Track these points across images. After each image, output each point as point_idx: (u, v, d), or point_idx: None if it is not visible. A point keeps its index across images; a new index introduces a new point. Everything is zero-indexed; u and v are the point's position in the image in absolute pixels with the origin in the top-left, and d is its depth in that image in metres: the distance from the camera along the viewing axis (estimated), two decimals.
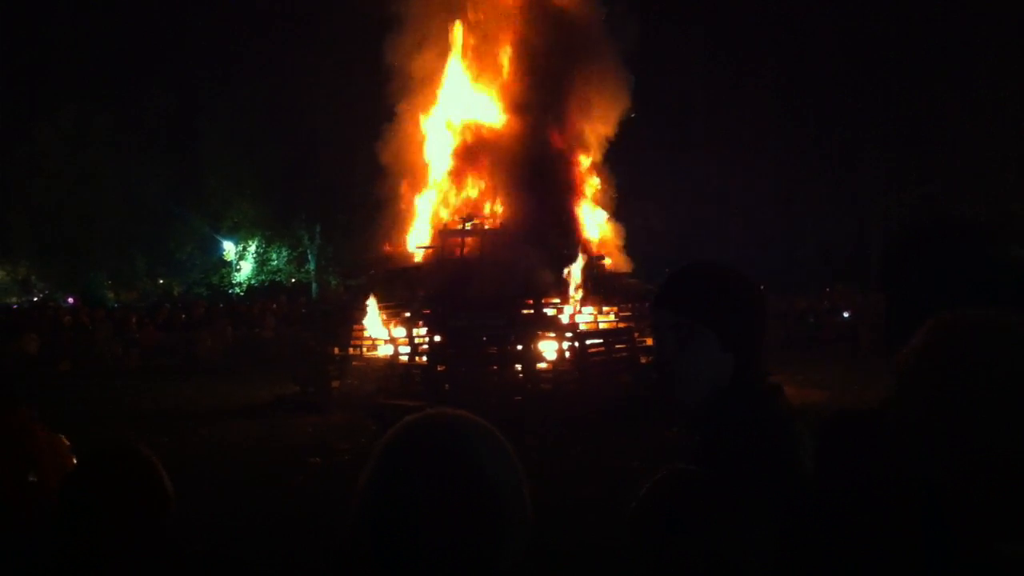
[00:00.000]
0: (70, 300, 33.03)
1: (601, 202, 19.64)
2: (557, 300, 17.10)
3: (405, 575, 1.34)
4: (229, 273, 41.97)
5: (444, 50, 19.48)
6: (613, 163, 19.66)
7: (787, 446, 1.92)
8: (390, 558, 1.35)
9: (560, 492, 8.67)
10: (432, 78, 19.47)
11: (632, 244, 19.74)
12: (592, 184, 19.53)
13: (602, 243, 19.29)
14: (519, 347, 16.09)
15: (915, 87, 33.88)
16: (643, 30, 18.56)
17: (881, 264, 1.99)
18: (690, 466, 1.84)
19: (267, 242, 41.73)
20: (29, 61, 36.91)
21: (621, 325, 17.68)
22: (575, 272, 17.65)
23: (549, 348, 16.36)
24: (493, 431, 1.46)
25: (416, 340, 16.91)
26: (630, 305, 18.11)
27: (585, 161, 19.44)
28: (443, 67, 19.52)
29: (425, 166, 19.66)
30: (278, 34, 34.39)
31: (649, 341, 16.96)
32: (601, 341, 16.54)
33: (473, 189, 19.04)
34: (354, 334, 18.18)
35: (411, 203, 19.71)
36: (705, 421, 1.98)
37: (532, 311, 16.50)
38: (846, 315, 27.94)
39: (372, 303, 18.18)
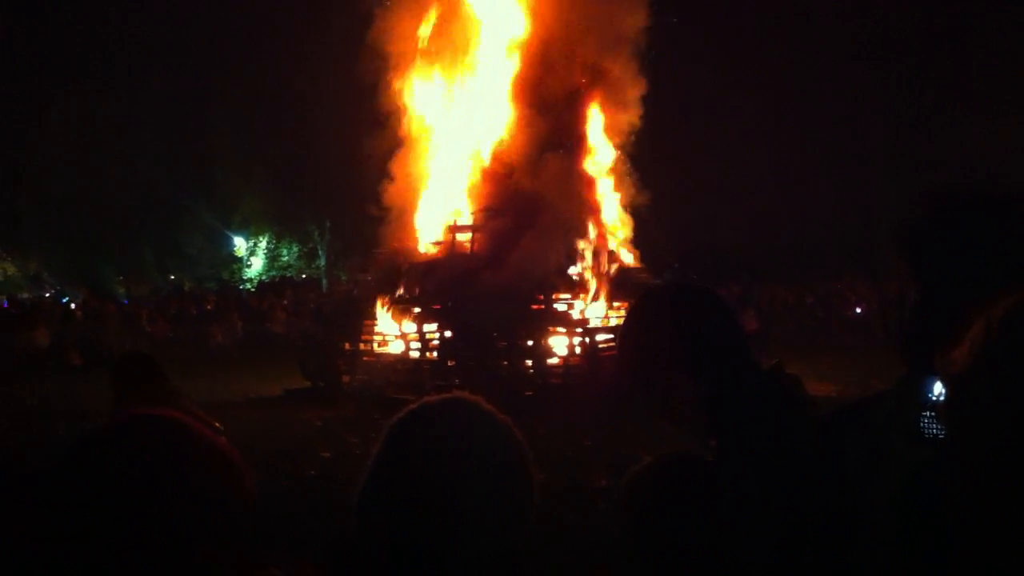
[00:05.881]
0: (72, 305, 32.79)
1: (614, 195, 19.55)
2: (568, 295, 17.11)
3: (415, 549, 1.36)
4: (240, 268, 42.10)
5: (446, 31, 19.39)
6: (622, 155, 19.56)
7: (800, 438, 1.91)
8: (401, 531, 1.37)
9: (571, 480, 8.75)
10: (435, 58, 19.38)
11: (641, 236, 19.68)
12: (604, 174, 19.44)
13: (614, 237, 19.22)
14: (529, 342, 16.11)
15: (922, 73, 33.74)
16: (649, 20, 18.40)
17: (905, 247, 1.78)
18: (684, 451, 1.84)
19: (277, 237, 41.84)
20: (38, 53, 37.00)
21: None
22: (587, 267, 17.66)
23: (560, 343, 16.38)
24: (497, 415, 1.47)
25: (426, 335, 16.93)
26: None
27: (598, 153, 19.35)
28: (446, 47, 19.41)
29: (435, 155, 19.59)
30: (288, 26, 34.39)
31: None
32: (612, 336, 16.53)
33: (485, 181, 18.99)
34: (364, 328, 18.20)
35: (421, 197, 19.67)
36: (719, 407, 1.96)
37: (542, 306, 16.52)
38: (859, 310, 27.82)
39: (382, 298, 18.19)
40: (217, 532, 1.49)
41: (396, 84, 19.08)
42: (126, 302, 35.10)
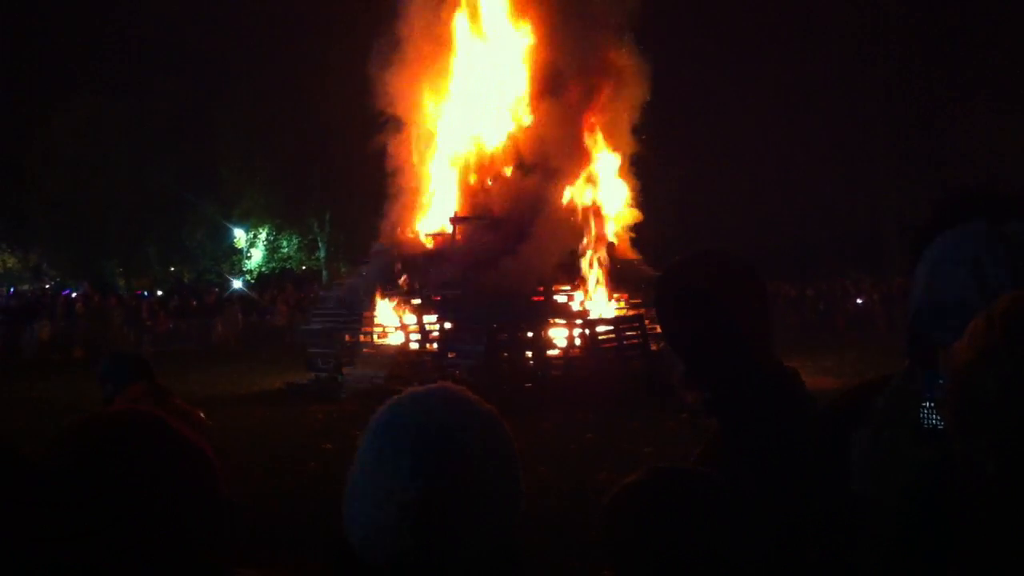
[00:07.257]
0: (74, 296, 32.79)
1: (615, 187, 19.52)
2: (568, 287, 17.11)
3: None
4: (240, 261, 42.08)
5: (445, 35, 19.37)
6: (625, 149, 19.52)
7: (800, 437, 1.90)
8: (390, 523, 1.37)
9: (574, 475, 8.74)
10: (439, 56, 19.36)
11: (643, 230, 19.67)
12: (604, 169, 19.41)
13: (614, 229, 19.21)
14: (530, 334, 16.11)
15: (928, 70, 33.68)
16: (654, 17, 18.39)
17: (915, 243, 1.75)
18: (676, 465, 1.82)
19: (277, 230, 41.81)
20: (43, 51, 37.01)
21: (631, 312, 17.65)
22: (586, 261, 17.67)
23: (560, 335, 16.39)
24: (482, 405, 1.46)
25: (427, 327, 16.93)
26: (641, 292, 18.07)
27: (598, 147, 19.32)
28: (448, 48, 19.40)
29: (435, 152, 19.59)
30: (288, 22, 34.36)
31: (660, 328, 16.86)
32: (612, 328, 16.54)
33: (484, 176, 18.99)
34: (365, 321, 18.21)
35: (422, 190, 19.67)
36: (722, 406, 1.95)
37: (543, 298, 16.52)
38: (859, 301, 27.90)
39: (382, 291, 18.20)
40: (184, 533, 1.47)
41: (398, 79, 19.07)
42: (124, 294, 35.17)
